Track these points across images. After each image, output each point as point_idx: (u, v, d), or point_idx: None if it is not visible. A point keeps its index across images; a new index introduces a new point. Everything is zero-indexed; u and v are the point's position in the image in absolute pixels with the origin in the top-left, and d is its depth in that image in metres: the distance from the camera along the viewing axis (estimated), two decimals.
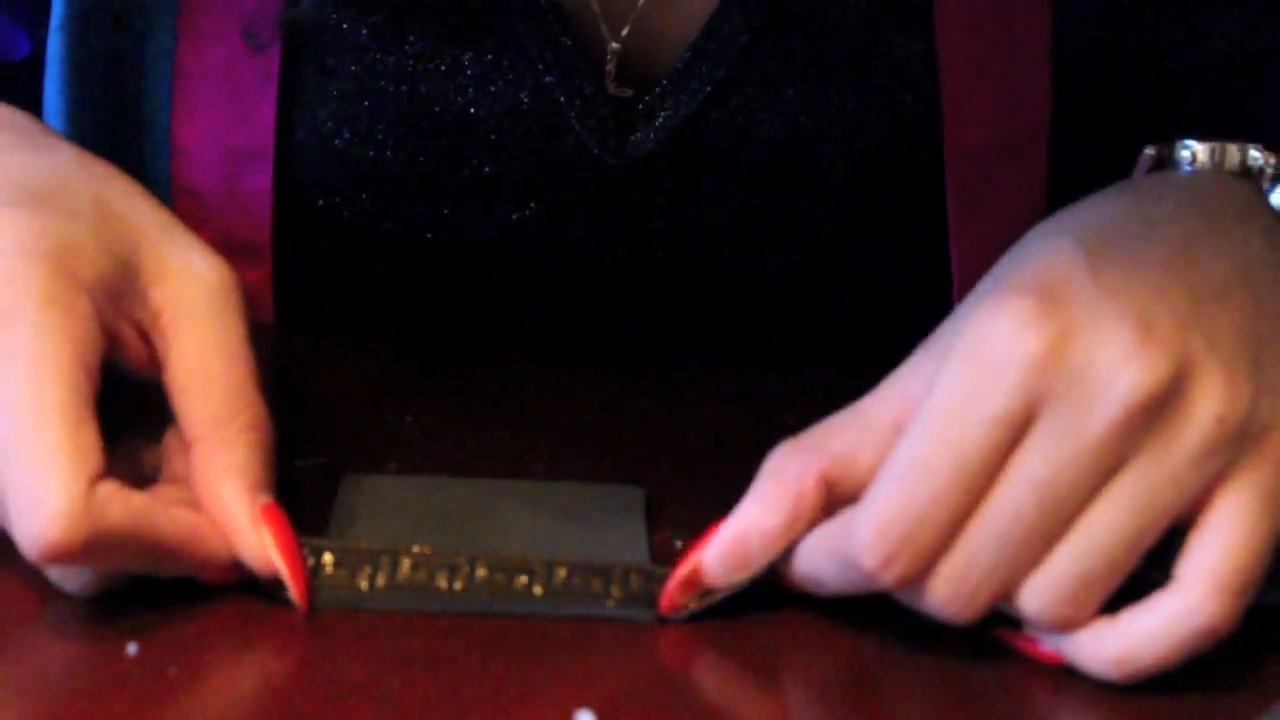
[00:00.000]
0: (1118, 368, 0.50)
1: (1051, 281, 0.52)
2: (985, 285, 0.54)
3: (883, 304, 0.68)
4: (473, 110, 0.69)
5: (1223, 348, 0.52)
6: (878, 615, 0.53)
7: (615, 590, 0.53)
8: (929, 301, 0.65)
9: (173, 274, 0.55)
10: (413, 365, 0.60)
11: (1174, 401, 0.50)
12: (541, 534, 0.57)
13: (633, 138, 0.69)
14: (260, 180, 0.70)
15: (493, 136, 0.69)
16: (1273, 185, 0.63)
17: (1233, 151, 0.62)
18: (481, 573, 0.53)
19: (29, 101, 0.77)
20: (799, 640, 0.52)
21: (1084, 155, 0.71)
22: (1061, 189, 0.70)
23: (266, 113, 0.70)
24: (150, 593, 0.53)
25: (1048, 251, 0.53)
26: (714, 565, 0.53)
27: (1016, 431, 0.50)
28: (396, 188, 0.71)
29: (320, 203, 0.71)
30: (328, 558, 0.54)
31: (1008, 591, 0.50)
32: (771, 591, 0.53)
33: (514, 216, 0.71)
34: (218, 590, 0.52)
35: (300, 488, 0.58)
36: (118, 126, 0.73)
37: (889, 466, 0.51)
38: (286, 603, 0.52)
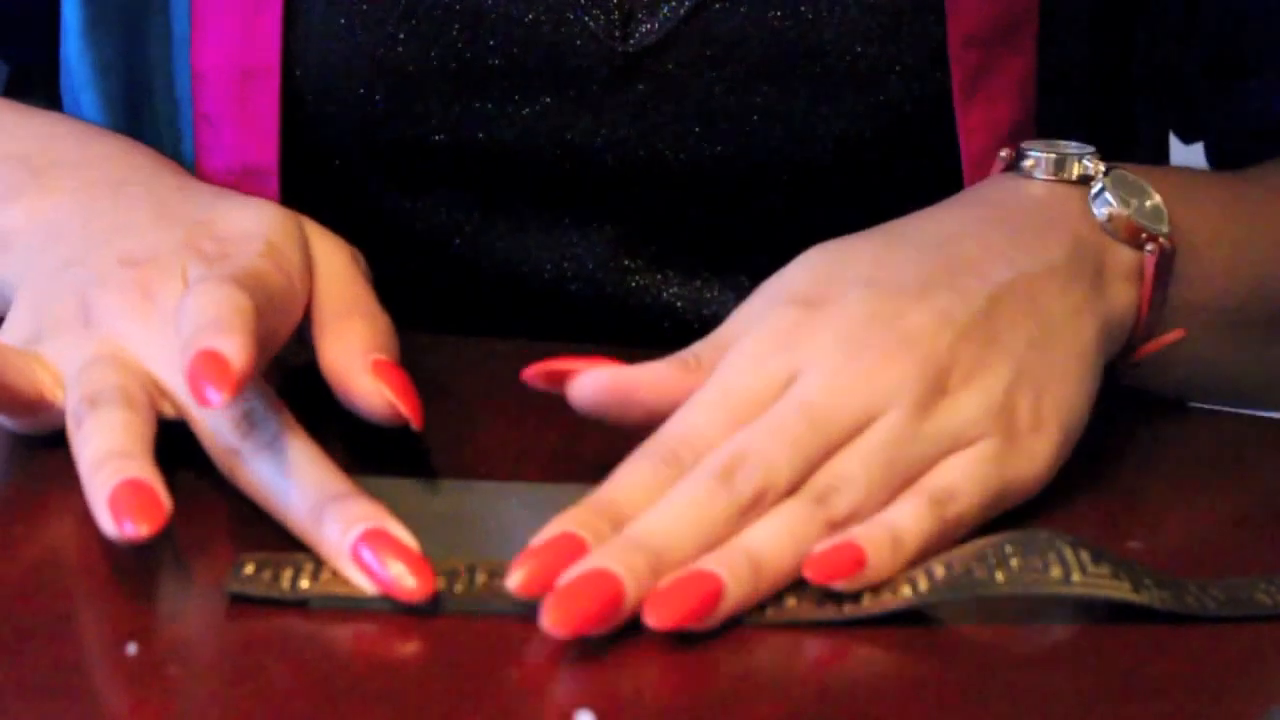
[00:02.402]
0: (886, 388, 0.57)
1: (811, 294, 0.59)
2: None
3: (890, 203, 0.69)
4: (485, 1, 0.72)
5: (991, 351, 0.58)
6: (878, 618, 0.53)
7: None
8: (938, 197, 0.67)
9: (316, 240, 0.64)
10: (411, 365, 0.60)
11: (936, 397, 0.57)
12: None
13: (638, 29, 0.72)
14: (267, 96, 0.72)
15: (502, 26, 0.72)
16: (1098, 195, 0.65)
17: (1072, 162, 0.66)
18: (481, 579, 0.53)
19: (42, 28, 0.78)
20: (799, 641, 0.52)
21: (1071, 50, 0.75)
22: (1052, 86, 0.74)
23: (271, 25, 0.72)
24: (150, 593, 0.53)
25: (811, 262, 0.61)
26: (586, 387, 0.58)
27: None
28: (409, 85, 0.73)
29: (332, 110, 0.73)
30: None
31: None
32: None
33: (525, 111, 0.73)
34: (218, 590, 0.52)
35: None
36: (139, 50, 0.75)
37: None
38: (287, 604, 0.52)
